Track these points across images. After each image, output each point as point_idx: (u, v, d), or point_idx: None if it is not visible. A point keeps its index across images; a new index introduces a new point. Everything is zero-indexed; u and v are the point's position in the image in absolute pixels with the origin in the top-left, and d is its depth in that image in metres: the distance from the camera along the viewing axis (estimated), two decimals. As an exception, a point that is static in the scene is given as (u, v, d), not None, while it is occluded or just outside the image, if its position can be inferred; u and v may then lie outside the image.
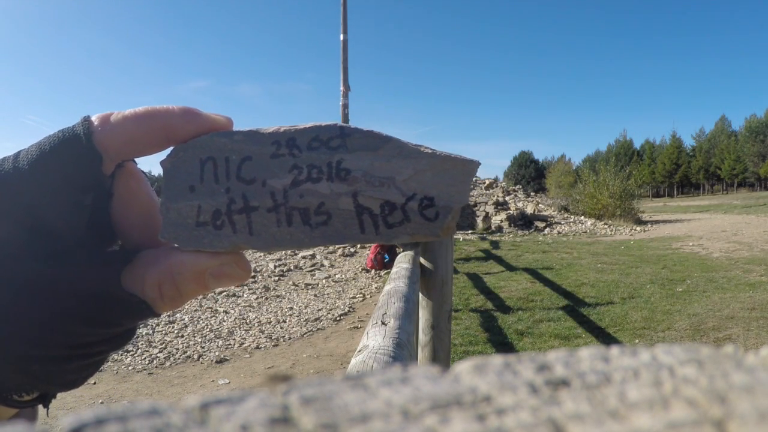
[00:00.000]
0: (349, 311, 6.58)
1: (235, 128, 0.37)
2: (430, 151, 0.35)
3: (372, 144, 0.35)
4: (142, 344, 5.43)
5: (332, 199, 0.34)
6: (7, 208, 0.33)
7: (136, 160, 0.37)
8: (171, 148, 0.36)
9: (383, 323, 1.57)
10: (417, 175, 0.35)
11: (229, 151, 0.35)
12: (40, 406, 0.38)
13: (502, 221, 14.92)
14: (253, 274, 8.45)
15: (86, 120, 0.34)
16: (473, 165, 0.35)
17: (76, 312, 0.33)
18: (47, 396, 0.37)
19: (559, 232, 14.72)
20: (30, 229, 0.33)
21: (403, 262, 2.67)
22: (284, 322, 6.20)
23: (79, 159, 0.33)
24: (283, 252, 10.10)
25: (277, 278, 8.31)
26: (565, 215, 17.63)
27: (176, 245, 0.35)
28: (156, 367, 4.89)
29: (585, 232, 14.97)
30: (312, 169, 0.35)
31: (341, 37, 13.98)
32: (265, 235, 0.35)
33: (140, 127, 0.34)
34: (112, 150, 0.34)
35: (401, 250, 3.15)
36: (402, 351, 1.37)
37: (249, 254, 9.83)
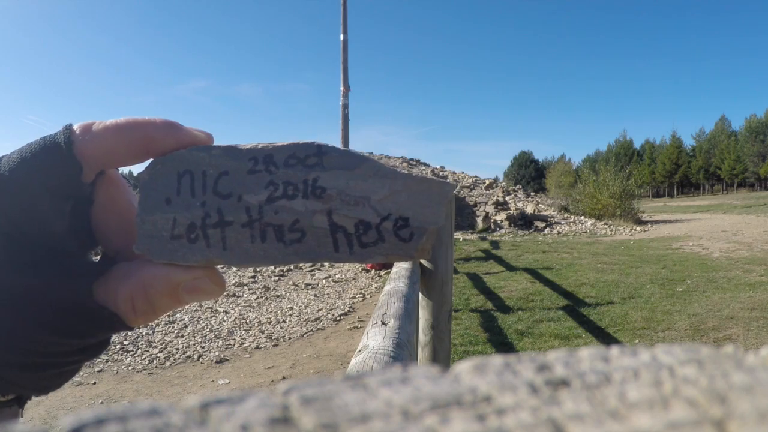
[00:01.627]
0: (349, 311, 6.58)
1: (216, 143, 0.37)
2: (406, 172, 0.35)
3: (348, 163, 0.35)
4: (142, 344, 5.43)
5: (307, 216, 0.34)
6: None
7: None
8: (150, 160, 0.36)
9: (383, 323, 1.57)
10: (392, 195, 0.35)
11: (206, 165, 0.35)
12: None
13: (502, 221, 14.91)
14: (252, 273, 8.45)
15: (68, 128, 0.34)
16: (449, 187, 0.35)
17: (48, 322, 0.33)
18: (23, 398, 0.37)
19: (559, 232, 14.72)
20: (8, 235, 0.33)
21: (403, 262, 2.67)
22: (284, 322, 6.21)
23: (59, 167, 0.33)
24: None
25: (277, 278, 8.31)
26: (565, 215, 17.62)
27: (150, 258, 0.35)
28: (156, 367, 4.89)
29: (585, 232, 14.97)
30: (288, 186, 0.35)
31: (341, 37, 13.99)
32: (238, 250, 0.35)
33: (121, 138, 0.34)
34: (92, 159, 0.34)
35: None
36: (402, 351, 1.37)
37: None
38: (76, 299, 0.33)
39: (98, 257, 0.39)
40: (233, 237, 0.35)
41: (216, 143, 0.37)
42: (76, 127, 0.34)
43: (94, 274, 0.35)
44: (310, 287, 7.81)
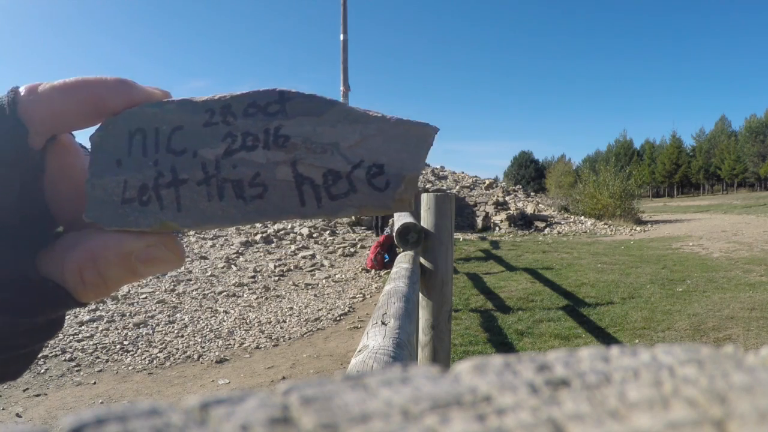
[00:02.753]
0: (349, 311, 6.58)
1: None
2: (380, 115, 0.32)
3: (315, 109, 0.32)
4: (142, 344, 5.43)
5: (269, 168, 0.31)
6: None
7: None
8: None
9: (383, 323, 1.57)
10: (365, 140, 0.32)
11: (159, 121, 0.33)
12: None
13: (502, 221, 14.91)
14: (252, 274, 8.45)
15: (13, 90, 0.32)
16: (429, 129, 0.32)
17: None
18: None
19: (559, 232, 14.72)
20: None
21: (403, 262, 2.67)
22: (284, 322, 6.21)
23: (2, 131, 0.31)
24: (283, 252, 10.11)
25: (277, 278, 8.31)
26: (565, 215, 17.62)
27: (101, 225, 0.32)
28: (156, 367, 4.89)
29: (585, 232, 14.97)
30: (247, 137, 0.32)
31: (341, 37, 13.99)
32: (194, 211, 0.32)
33: (68, 99, 0.32)
34: (38, 122, 0.31)
35: (401, 250, 3.15)
36: (402, 351, 1.37)
37: (251, 253, 9.83)
38: (17, 272, 0.31)
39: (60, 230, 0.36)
40: (188, 196, 0.32)
41: None
42: (22, 88, 0.32)
43: (38, 244, 0.32)
44: (310, 287, 7.81)
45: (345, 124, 0.32)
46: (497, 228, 14.68)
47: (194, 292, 7.45)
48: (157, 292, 7.40)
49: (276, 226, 12.01)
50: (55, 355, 5.06)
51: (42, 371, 4.71)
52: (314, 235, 11.55)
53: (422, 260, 3.06)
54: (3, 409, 3.98)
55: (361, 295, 7.29)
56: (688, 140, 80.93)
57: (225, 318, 6.32)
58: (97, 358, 5.08)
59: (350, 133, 0.32)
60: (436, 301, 3.00)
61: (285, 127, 0.32)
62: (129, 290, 7.44)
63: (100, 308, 6.59)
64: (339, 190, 0.31)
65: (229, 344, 5.45)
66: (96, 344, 5.41)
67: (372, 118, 0.32)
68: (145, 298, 7.13)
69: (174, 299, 7.11)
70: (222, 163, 0.32)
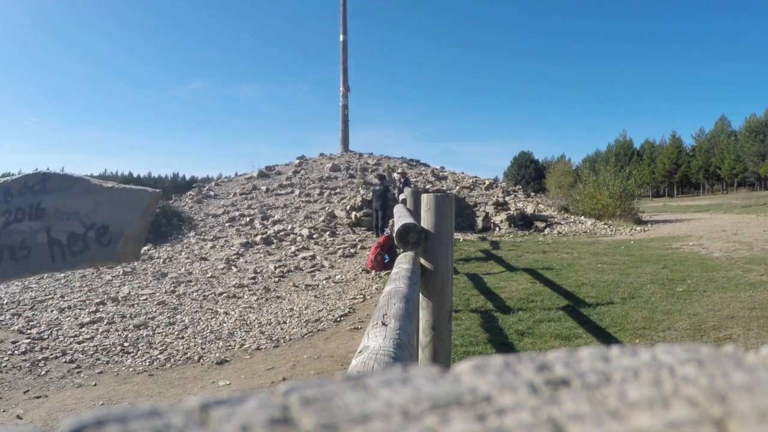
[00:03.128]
0: (349, 312, 6.58)
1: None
2: (110, 186, 0.39)
3: (65, 185, 0.39)
4: (142, 346, 5.43)
5: (32, 235, 0.39)
6: None
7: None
8: None
9: (384, 324, 1.56)
10: (97, 207, 0.39)
11: None
12: None
13: (502, 221, 14.91)
14: (252, 275, 8.44)
15: None
16: (145, 194, 0.39)
17: None
18: None
19: (559, 232, 14.72)
20: None
21: (403, 262, 2.67)
22: (285, 323, 6.20)
23: None
24: (283, 253, 10.11)
25: (277, 279, 8.31)
26: (565, 215, 17.62)
27: None
28: (156, 368, 4.89)
29: (585, 232, 14.97)
30: (18, 211, 0.39)
31: (341, 37, 14.00)
32: None
33: None
34: None
35: (401, 250, 3.15)
36: (402, 352, 1.37)
37: (251, 254, 9.82)
38: None
39: None
40: None
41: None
42: None
43: None
44: (310, 288, 7.81)
45: (85, 195, 0.38)
46: (497, 228, 14.68)
47: (194, 294, 7.45)
48: (158, 294, 7.40)
49: (276, 227, 11.99)
50: (56, 357, 5.06)
51: (42, 373, 4.71)
52: (314, 236, 11.55)
53: (422, 261, 3.06)
54: (3, 411, 3.98)
55: (362, 296, 7.29)
56: (688, 140, 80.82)
57: (225, 319, 6.32)
58: (98, 359, 5.08)
59: (88, 202, 0.38)
60: (437, 302, 2.99)
61: (44, 201, 0.39)
62: (129, 292, 7.44)
63: (101, 310, 6.58)
64: (77, 248, 0.38)
65: (230, 345, 5.45)
66: (96, 346, 5.41)
67: (105, 189, 0.38)
68: (146, 299, 7.13)
69: (174, 301, 7.11)
70: (2, 234, 0.39)
